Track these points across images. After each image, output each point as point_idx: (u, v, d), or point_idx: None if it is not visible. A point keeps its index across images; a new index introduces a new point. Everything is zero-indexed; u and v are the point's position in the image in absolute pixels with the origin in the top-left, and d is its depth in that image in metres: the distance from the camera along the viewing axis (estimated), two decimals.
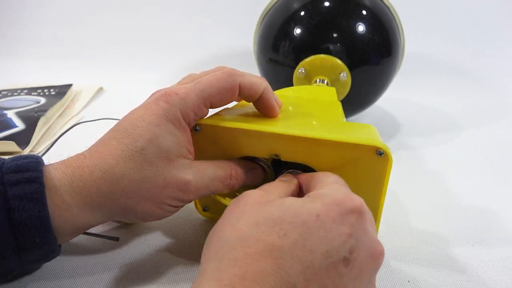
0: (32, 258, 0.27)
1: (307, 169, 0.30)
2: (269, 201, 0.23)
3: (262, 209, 0.22)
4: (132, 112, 0.29)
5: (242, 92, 0.30)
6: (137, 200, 0.27)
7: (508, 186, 0.46)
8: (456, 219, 0.39)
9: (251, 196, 0.24)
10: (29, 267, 0.30)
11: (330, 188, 0.25)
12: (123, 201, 0.27)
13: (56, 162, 0.28)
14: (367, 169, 0.29)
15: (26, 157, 0.27)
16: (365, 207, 0.23)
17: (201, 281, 0.20)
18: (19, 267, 0.27)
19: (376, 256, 0.22)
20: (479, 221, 0.39)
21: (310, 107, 0.39)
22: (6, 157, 0.28)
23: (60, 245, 0.28)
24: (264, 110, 0.32)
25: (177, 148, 0.28)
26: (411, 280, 0.32)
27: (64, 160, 0.28)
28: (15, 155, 0.27)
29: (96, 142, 0.29)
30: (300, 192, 0.29)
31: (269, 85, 0.33)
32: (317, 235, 0.21)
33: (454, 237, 0.36)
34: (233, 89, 0.29)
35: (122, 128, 0.28)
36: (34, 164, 0.26)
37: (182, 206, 0.30)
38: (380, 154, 0.28)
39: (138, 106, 0.29)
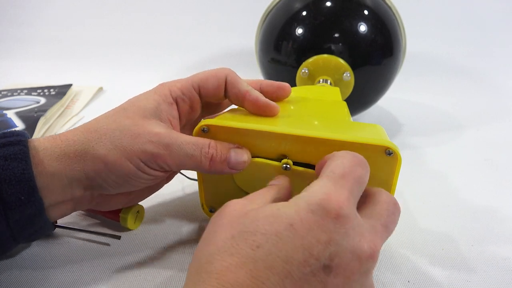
0: (19, 219, 0.28)
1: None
2: (247, 212, 0.22)
3: (237, 222, 0.22)
4: None
5: (228, 88, 0.33)
6: (109, 147, 0.29)
7: (508, 186, 0.46)
8: (456, 218, 0.39)
9: (232, 207, 0.23)
10: (21, 240, 0.30)
11: (311, 187, 0.23)
12: (97, 150, 0.29)
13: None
14: (376, 169, 0.29)
15: (13, 131, 0.30)
16: (345, 209, 0.22)
17: None
18: (8, 232, 0.28)
19: (362, 259, 0.21)
20: (479, 220, 0.39)
21: (316, 107, 0.38)
22: None
23: (53, 223, 0.30)
24: (257, 111, 0.33)
25: (156, 111, 0.31)
26: (411, 280, 0.32)
27: None
28: (2, 131, 0.30)
29: None
30: None
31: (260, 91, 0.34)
32: (292, 245, 0.20)
33: (454, 237, 0.36)
34: (218, 77, 0.33)
35: (117, 106, 0.32)
36: (20, 132, 0.29)
37: (153, 170, 0.30)
38: (389, 153, 0.28)
39: None
